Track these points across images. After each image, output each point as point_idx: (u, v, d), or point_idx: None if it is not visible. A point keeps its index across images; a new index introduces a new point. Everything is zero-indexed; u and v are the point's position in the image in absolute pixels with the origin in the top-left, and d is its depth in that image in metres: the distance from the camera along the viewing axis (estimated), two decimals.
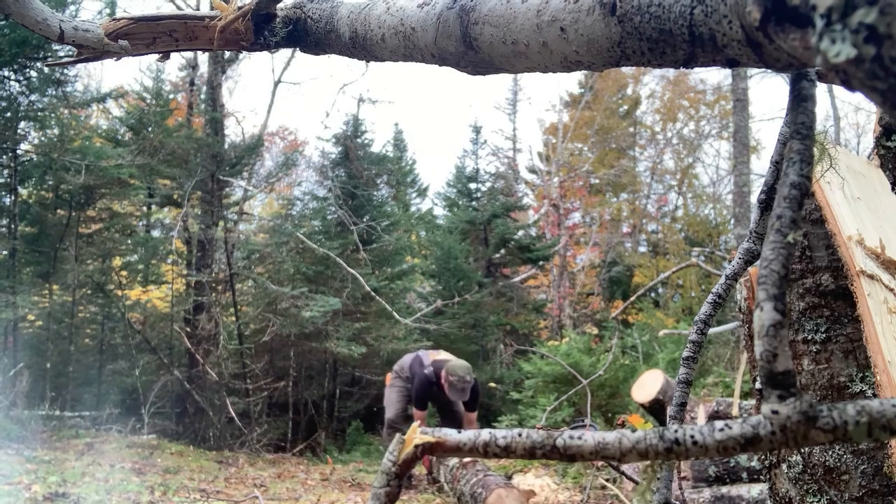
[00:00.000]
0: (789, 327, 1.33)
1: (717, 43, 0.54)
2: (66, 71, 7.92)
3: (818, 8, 0.38)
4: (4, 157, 7.97)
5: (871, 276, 1.25)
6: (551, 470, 5.13)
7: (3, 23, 6.79)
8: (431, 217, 14.81)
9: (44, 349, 8.19)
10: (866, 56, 0.35)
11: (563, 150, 18.45)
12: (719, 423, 0.49)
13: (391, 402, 5.78)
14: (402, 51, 0.81)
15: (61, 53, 6.98)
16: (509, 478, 4.94)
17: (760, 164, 18.48)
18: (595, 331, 12.59)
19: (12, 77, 7.60)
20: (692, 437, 0.49)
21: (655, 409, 4.51)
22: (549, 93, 49.15)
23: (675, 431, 0.49)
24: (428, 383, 5.48)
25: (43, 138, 8.31)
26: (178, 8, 9.88)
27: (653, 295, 15.97)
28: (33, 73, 7.68)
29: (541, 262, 13.48)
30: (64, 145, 7.83)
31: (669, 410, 1.15)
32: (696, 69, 0.73)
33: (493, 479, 3.86)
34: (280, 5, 0.91)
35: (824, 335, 1.29)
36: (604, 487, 4.35)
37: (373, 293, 8.35)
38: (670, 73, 18.58)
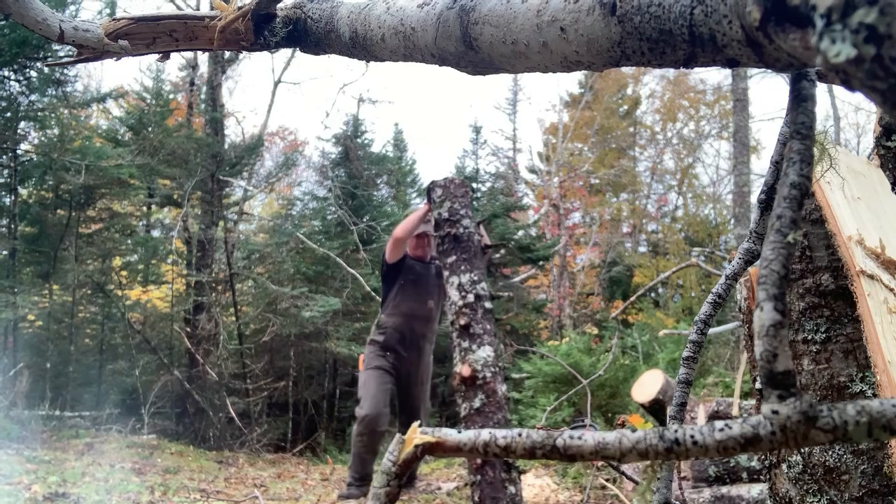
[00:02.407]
0: (789, 327, 1.33)
1: (717, 43, 0.54)
2: (66, 71, 7.92)
3: (818, 8, 0.38)
4: (4, 157, 7.97)
5: (871, 276, 1.25)
6: (551, 470, 5.13)
7: (3, 23, 6.79)
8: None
9: (44, 349, 8.19)
10: (866, 56, 0.35)
11: (563, 150, 18.45)
12: (719, 423, 0.49)
13: (366, 391, 4.39)
14: (402, 51, 0.81)
15: (61, 53, 6.99)
16: None
17: (760, 164, 18.50)
18: (595, 331, 12.59)
19: (12, 77, 7.61)
20: (692, 437, 0.49)
21: (655, 409, 4.51)
22: (549, 93, 49.21)
23: (675, 431, 0.49)
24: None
25: (43, 138, 8.31)
26: (178, 8, 9.89)
27: (653, 295, 15.97)
28: (33, 73, 7.69)
29: (541, 262, 13.48)
30: (64, 145, 7.84)
31: (669, 410, 1.15)
32: (696, 69, 0.73)
33: None
34: (280, 5, 0.91)
35: (824, 335, 1.29)
36: (604, 487, 4.35)
37: (373, 293, 8.35)
38: (670, 73, 18.59)
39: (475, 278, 3.63)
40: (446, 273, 3.65)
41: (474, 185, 13.42)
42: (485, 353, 3.46)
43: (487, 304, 3.63)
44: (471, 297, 3.58)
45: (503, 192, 14.74)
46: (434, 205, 3.77)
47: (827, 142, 1.16)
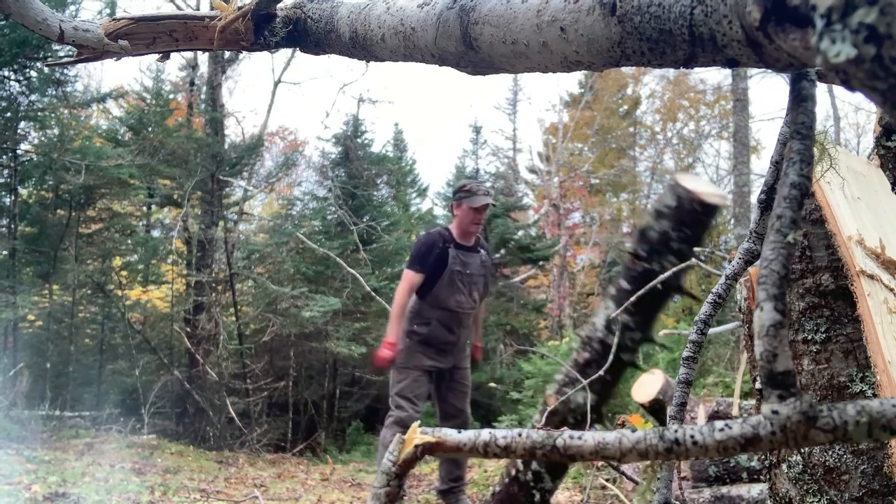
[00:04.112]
0: (789, 327, 1.33)
1: (718, 43, 0.54)
2: (66, 71, 7.92)
3: (818, 8, 0.38)
4: (4, 157, 7.97)
5: (871, 276, 1.24)
6: None
7: (3, 23, 6.79)
8: (431, 217, 14.80)
9: (44, 349, 8.19)
10: (866, 56, 0.35)
11: (563, 150, 18.45)
12: (719, 423, 0.49)
13: (403, 393, 4.02)
14: (402, 51, 0.81)
15: (61, 53, 6.98)
16: None
17: (760, 164, 18.49)
18: None
19: (12, 77, 7.61)
20: (692, 437, 0.49)
21: (655, 409, 4.51)
22: (549, 93, 49.20)
23: (676, 431, 0.49)
24: (437, 234, 4.15)
25: (43, 138, 8.31)
26: (178, 8, 9.89)
27: None
28: (33, 73, 7.69)
29: (541, 262, 13.48)
30: (64, 145, 7.84)
31: (669, 410, 1.15)
32: (697, 69, 0.73)
33: None
34: (280, 5, 0.91)
35: (824, 335, 1.29)
36: (604, 487, 4.35)
37: (373, 293, 8.35)
38: (670, 72, 18.58)
39: None
40: None
41: None
42: None
43: None
44: None
45: (503, 192, 14.74)
46: None
47: (827, 142, 1.16)
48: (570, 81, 27.07)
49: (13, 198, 8.07)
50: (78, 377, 8.65)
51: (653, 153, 21.64)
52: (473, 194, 4.04)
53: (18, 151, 8.03)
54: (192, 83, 10.72)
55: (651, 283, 2.07)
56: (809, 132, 0.54)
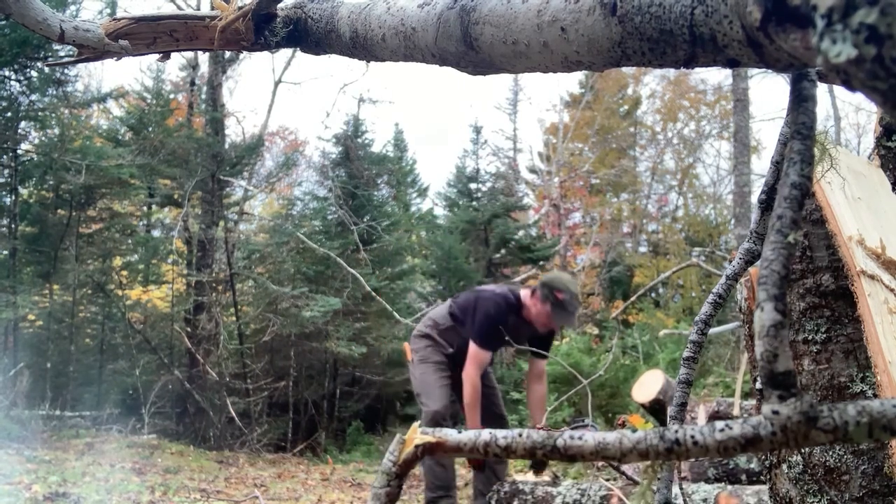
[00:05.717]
0: (790, 327, 1.33)
1: (718, 43, 0.54)
2: (66, 71, 7.92)
3: (819, 8, 0.38)
4: (5, 157, 7.98)
5: (872, 277, 1.24)
6: (551, 470, 5.13)
7: (3, 23, 6.79)
8: (432, 217, 14.82)
9: (44, 349, 8.19)
10: (867, 56, 0.35)
11: (563, 150, 18.45)
12: (720, 424, 0.49)
13: (429, 387, 3.83)
14: (402, 51, 0.81)
15: (62, 53, 6.98)
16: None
17: (761, 164, 18.49)
18: (595, 331, 12.59)
19: (13, 77, 7.61)
20: (693, 437, 0.49)
21: (656, 410, 4.51)
22: (549, 93, 49.22)
23: (676, 432, 0.49)
24: (505, 304, 3.75)
25: (43, 138, 8.31)
26: (179, 8, 9.89)
27: (653, 295, 15.97)
28: (34, 73, 7.69)
29: (541, 262, 13.47)
30: (64, 145, 7.84)
31: (670, 411, 1.15)
32: (697, 69, 0.73)
33: None
34: (280, 5, 0.91)
35: (825, 335, 1.29)
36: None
37: (373, 293, 8.35)
38: (671, 73, 18.58)
39: None
40: None
41: (474, 185, 13.43)
42: None
43: None
44: None
45: (503, 192, 14.74)
46: None
47: (827, 142, 1.16)
48: (571, 81, 27.06)
49: (13, 198, 8.07)
50: (78, 377, 8.65)
51: (653, 153, 21.64)
52: (564, 310, 3.67)
53: (19, 151, 8.03)
54: (192, 83, 10.72)
55: (653, 282, 2.07)
56: (810, 132, 0.54)
